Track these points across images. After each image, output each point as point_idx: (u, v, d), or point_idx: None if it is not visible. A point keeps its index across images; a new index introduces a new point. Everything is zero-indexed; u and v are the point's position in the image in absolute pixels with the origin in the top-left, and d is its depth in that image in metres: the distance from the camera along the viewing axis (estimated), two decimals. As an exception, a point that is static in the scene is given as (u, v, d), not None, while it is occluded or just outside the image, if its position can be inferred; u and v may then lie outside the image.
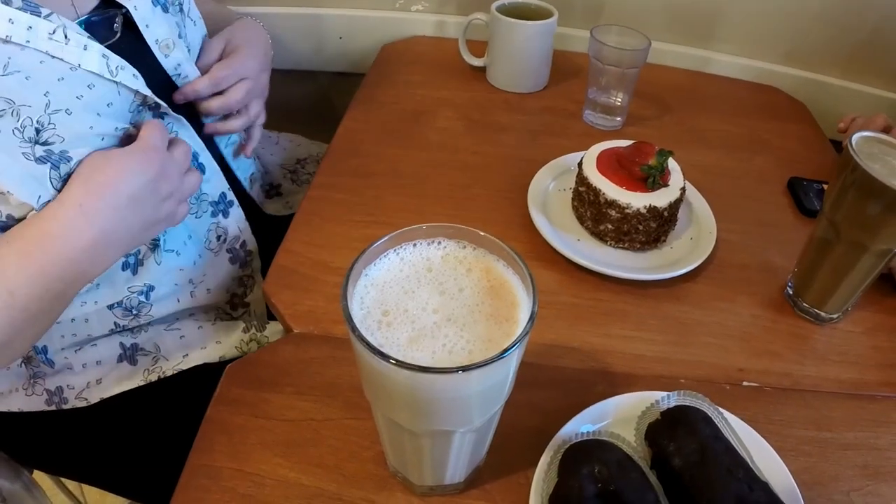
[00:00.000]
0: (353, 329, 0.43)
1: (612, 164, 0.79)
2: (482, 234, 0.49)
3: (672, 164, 0.81)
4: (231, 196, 0.84)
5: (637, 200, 0.76)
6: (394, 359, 0.41)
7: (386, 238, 0.49)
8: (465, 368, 0.41)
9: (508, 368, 0.47)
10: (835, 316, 0.78)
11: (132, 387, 0.77)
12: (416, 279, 0.48)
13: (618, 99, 0.99)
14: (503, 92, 1.10)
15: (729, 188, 0.94)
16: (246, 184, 0.93)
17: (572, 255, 0.77)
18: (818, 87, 1.19)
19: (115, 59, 0.64)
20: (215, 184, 0.81)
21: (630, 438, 0.60)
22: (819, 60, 1.18)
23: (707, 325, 0.76)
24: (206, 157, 0.79)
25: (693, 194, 0.88)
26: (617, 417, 0.63)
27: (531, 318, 0.44)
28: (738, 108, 1.13)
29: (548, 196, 0.86)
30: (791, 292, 0.80)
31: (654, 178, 0.77)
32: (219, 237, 0.83)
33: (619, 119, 1.02)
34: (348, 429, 0.61)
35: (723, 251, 0.84)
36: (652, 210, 0.76)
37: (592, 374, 0.70)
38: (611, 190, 0.77)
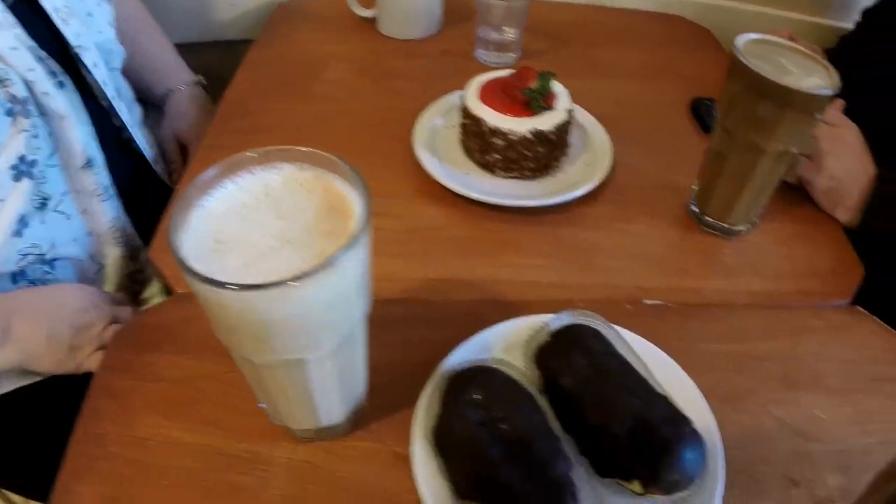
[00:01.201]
0: (181, 261, 0.39)
1: (496, 93, 0.75)
2: (319, 153, 0.46)
3: (558, 87, 0.77)
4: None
5: (520, 125, 0.72)
6: (218, 282, 0.37)
7: (218, 167, 0.45)
8: (287, 282, 0.37)
9: (345, 281, 0.42)
10: (742, 228, 0.75)
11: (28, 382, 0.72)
12: (254, 205, 0.45)
13: (509, 34, 0.95)
14: (395, 40, 1.04)
15: (629, 115, 0.91)
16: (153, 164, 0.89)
17: (458, 187, 0.73)
18: (722, 12, 1.16)
19: None
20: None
21: (519, 364, 0.56)
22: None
23: (606, 248, 0.72)
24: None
25: (588, 121, 0.84)
26: (507, 344, 0.60)
27: (364, 225, 0.41)
28: (639, 38, 1.10)
29: (436, 134, 0.82)
30: (695, 209, 0.77)
31: (537, 102, 0.73)
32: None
33: (512, 55, 0.98)
34: (231, 383, 0.57)
35: (623, 174, 0.81)
36: (537, 134, 0.72)
37: (484, 304, 0.66)
38: (493, 117, 0.73)
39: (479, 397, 0.51)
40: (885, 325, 0.67)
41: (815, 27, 1.14)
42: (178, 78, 1.00)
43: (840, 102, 0.81)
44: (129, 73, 0.90)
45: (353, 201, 0.45)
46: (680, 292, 0.69)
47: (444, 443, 0.51)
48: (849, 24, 1.05)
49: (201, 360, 0.60)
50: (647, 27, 1.12)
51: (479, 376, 0.53)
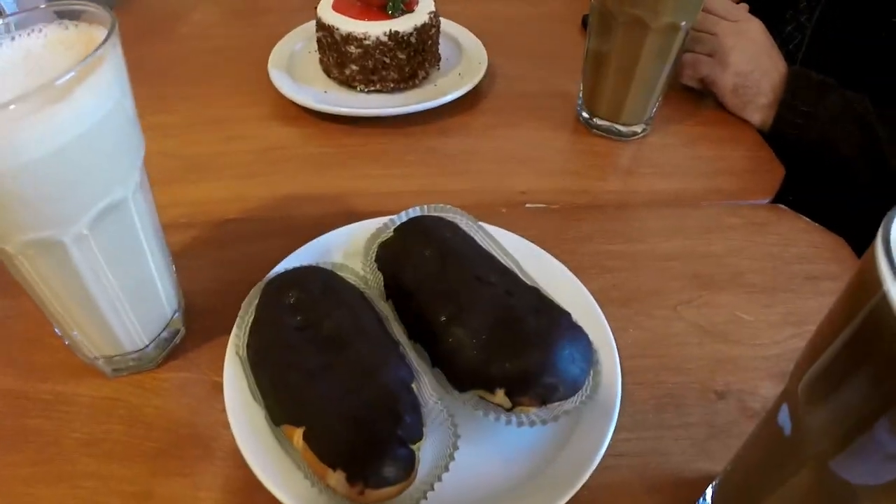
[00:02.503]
0: None
1: (352, 1, 0.67)
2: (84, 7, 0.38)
3: (422, -9, 0.69)
4: None
5: (375, 28, 0.64)
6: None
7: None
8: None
9: (86, 121, 0.33)
10: (638, 129, 0.68)
11: None
12: (10, 72, 0.37)
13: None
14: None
15: (514, 30, 0.84)
16: None
17: (309, 101, 0.64)
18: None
19: None
20: None
21: (358, 267, 0.46)
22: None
23: (483, 154, 0.64)
24: None
25: (460, 32, 0.77)
26: (349, 250, 0.50)
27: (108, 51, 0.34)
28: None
29: (295, 57, 0.74)
30: (584, 113, 0.69)
31: (394, 5, 0.64)
32: None
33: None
34: (37, 319, 0.47)
35: (503, 84, 0.73)
36: (394, 36, 0.64)
37: (334, 217, 0.56)
38: (345, 24, 0.65)
39: (297, 299, 0.42)
40: (812, 221, 0.59)
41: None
42: None
43: (743, 5, 0.74)
44: None
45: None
46: (567, 194, 0.61)
47: (257, 359, 0.41)
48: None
49: (6, 297, 0.50)
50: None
51: (301, 279, 0.44)
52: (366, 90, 0.68)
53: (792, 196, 0.63)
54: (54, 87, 0.31)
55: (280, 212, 0.58)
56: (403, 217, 0.48)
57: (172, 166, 0.63)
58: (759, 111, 0.68)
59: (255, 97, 0.70)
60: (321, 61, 0.70)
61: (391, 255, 0.46)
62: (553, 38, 0.84)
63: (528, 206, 0.59)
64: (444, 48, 0.72)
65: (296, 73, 0.71)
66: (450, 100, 0.66)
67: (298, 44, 0.75)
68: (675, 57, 0.63)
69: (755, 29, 0.69)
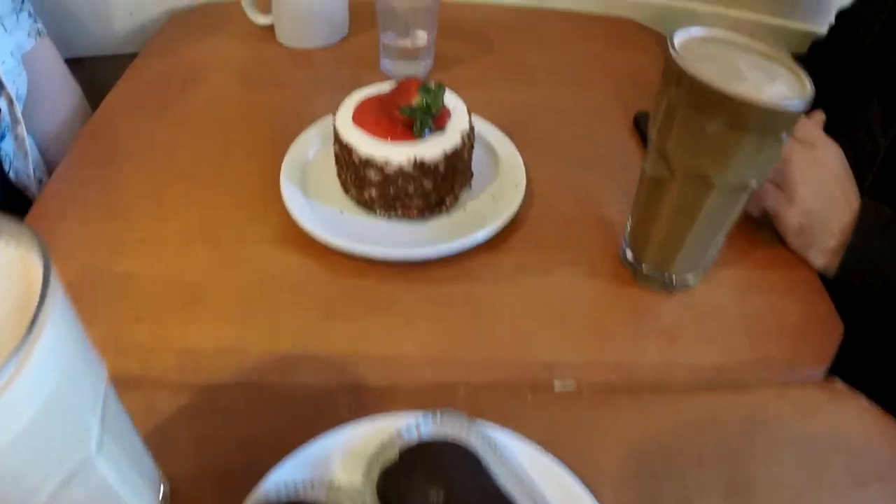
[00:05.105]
0: None
1: (373, 113, 0.59)
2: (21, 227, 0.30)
3: (455, 103, 0.62)
4: None
5: (398, 154, 0.56)
6: None
7: None
8: None
9: (18, 418, 0.26)
10: (689, 280, 0.59)
11: None
12: None
13: (418, 40, 0.79)
14: (294, 50, 0.89)
15: (555, 129, 0.76)
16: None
17: (318, 232, 0.57)
18: (678, 14, 1.01)
19: None
20: None
21: (355, 493, 0.40)
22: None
23: (510, 309, 0.57)
24: None
25: (495, 137, 0.69)
26: (349, 456, 0.44)
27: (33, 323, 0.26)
28: (579, 41, 0.94)
29: (312, 163, 0.66)
30: (628, 255, 0.61)
31: (420, 123, 0.57)
32: None
33: (423, 64, 0.82)
34: None
35: (540, 208, 0.65)
36: (419, 166, 0.56)
37: (339, 390, 0.51)
38: (365, 144, 0.57)
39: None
40: (870, 403, 0.52)
41: (782, 31, 0.99)
42: None
43: (819, 116, 0.66)
44: None
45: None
46: (602, 370, 0.53)
47: None
48: (821, 28, 0.91)
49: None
50: (588, 30, 0.97)
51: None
52: (386, 216, 0.60)
53: (850, 359, 0.55)
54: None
55: (279, 376, 0.51)
56: (409, 433, 0.41)
57: (165, 297, 0.56)
58: (823, 255, 0.60)
59: (263, 209, 0.63)
60: (339, 175, 0.63)
61: (394, 490, 0.40)
62: (598, 139, 0.76)
63: (556, 386, 0.52)
64: (476, 156, 0.64)
65: (312, 180, 0.64)
66: (481, 240, 0.58)
67: (316, 144, 0.68)
68: (741, 211, 0.55)
69: (832, 159, 0.61)
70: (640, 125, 0.77)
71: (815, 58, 0.86)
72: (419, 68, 0.82)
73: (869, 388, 0.53)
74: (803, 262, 0.62)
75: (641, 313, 0.58)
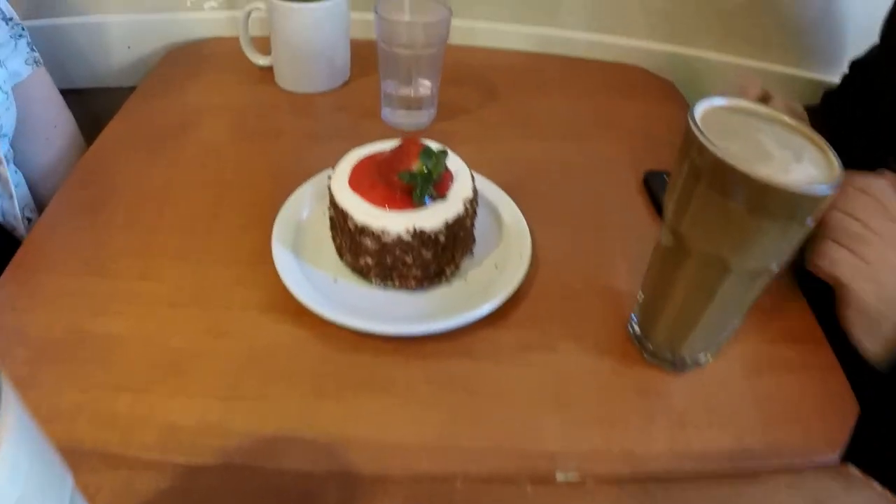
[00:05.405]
0: None
1: (371, 177, 0.57)
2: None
3: (459, 165, 0.59)
4: None
5: (395, 223, 0.53)
6: None
7: None
8: None
9: None
10: (701, 360, 0.56)
11: None
12: None
13: (420, 89, 0.77)
14: (293, 94, 0.86)
15: (562, 188, 0.73)
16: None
17: (314, 306, 0.54)
18: (689, 63, 0.98)
19: None
20: None
21: None
22: (688, 31, 0.98)
23: (509, 390, 0.53)
24: None
25: (499, 198, 0.66)
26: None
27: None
28: (587, 90, 0.92)
29: (306, 222, 0.63)
30: (636, 330, 0.58)
31: (421, 190, 0.54)
32: None
33: (426, 114, 0.80)
34: None
35: (544, 276, 0.62)
36: (419, 235, 0.53)
37: (327, 477, 0.48)
38: (361, 211, 0.54)
39: None
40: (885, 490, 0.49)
41: (793, 80, 0.97)
42: None
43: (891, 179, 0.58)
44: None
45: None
46: (608, 460, 0.50)
47: None
48: (833, 77, 0.88)
49: None
50: (595, 77, 0.95)
51: None
52: (382, 286, 0.57)
53: (866, 438, 0.52)
54: None
55: (264, 459, 0.48)
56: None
57: (150, 364, 0.53)
58: (881, 343, 0.54)
59: (255, 270, 0.60)
60: (333, 238, 0.60)
61: None
62: (606, 199, 0.73)
63: (558, 475, 0.48)
64: (480, 218, 0.61)
65: (305, 241, 0.61)
66: (483, 314, 0.55)
67: (310, 202, 0.65)
68: (759, 293, 0.52)
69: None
70: (649, 185, 0.74)
71: (828, 110, 0.84)
72: (422, 119, 0.79)
73: (882, 472, 0.50)
74: (819, 335, 0.59)
75: (650, 395, 0.55)
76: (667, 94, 0.93)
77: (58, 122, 0.86)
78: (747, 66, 0.97)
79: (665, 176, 0.74)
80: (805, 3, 0.94)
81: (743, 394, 0.55)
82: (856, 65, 0.81)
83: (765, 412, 0.54)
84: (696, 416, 0.53)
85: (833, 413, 0.54)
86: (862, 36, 0.79)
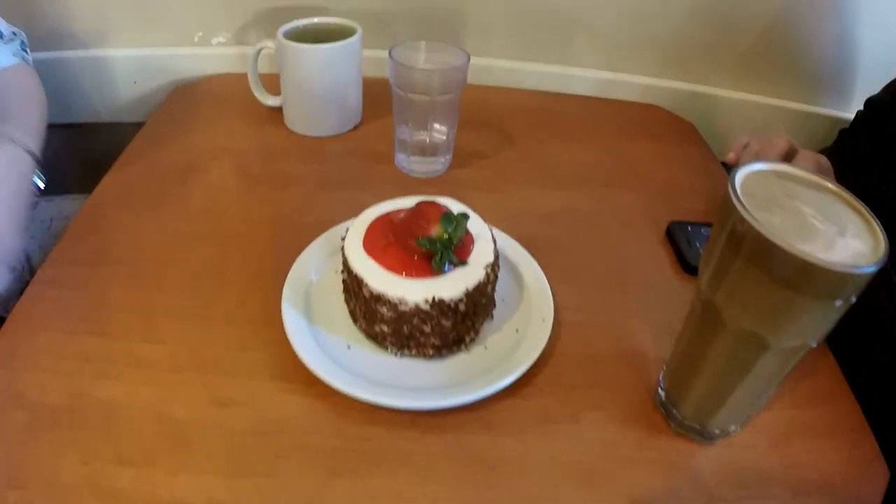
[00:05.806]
0: None
1: (387, 240, 0.54)
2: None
3: (480, 227, 0.57)
4: None
5: (414, 292, 0.51)
6: None
7: None
8: None
9: None
10: (731, 430, 0.54)
11: None
12: None
13: (436, 136, 0.75)
14: (303, 137, 0.84)
15: (581, 241, 0.71)
16: None
17: (326, 376, 0.52)
18: (706, 101, 0.96)
19: None
20: None
21: None
22: (703, 68, 0.96)
23: (531, 465, 0.51)
24: None
25: (524, 262, 0.63)
26: None
27: None
28: (604, 132, 0.90)
29: (318, 283, 0.61)
30: (663, 398, 0.55)
31: (440, 257, 0.52)
32: None
33: (442, 160, 0.78)
34: None
35: (565, 339, 0.60)
36: (438, 304, 0.51)
37: None
38: (377, 278, 0.52)
39: None
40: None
41: (806, 117, 0.95)
42: None
43: None
44: None
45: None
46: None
47: None
48: (845, 114, 0.87)
49: None
50: (614, 118, 0.92)
51: None
52: (398, 354, 0.55)
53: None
54: None
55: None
56: None
57: (153, 434, 0.51)
58: None
59: (263, 334, 0.58)
60: (347, 302, 0.58)
61: None
62: (628, 253, 0.71)
63: (584, 566, 0.46)
64: (499, 280, 0.59)
65: (317, 303, 0.59)
66: (503, 386, 0.52)
67: (321, 263, 0.63)
68: (795, 366, 0.49)
69: None
70: (673, 237, 0.71)
71: (843, 150, 0.82)
72: (437, 166, 0.77)
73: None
74: (848, 395, 0.57)
75: (678, 468, 0.52)
76: (686, 135, 0.90)
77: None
78: (764, 104, 0.96)
79: (689, 227, 0.72)
80: (818, 42, 0.92)
81: (772, 464, 0.53)
82: (872, 104, 0.79)
83: (795, 482, 0.51)
84: (726, 490, 0.51)
85: (864, 479, 0.52)
86: (875, 72, 0.77)
